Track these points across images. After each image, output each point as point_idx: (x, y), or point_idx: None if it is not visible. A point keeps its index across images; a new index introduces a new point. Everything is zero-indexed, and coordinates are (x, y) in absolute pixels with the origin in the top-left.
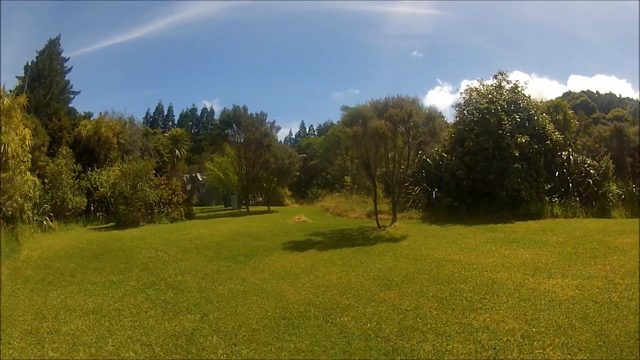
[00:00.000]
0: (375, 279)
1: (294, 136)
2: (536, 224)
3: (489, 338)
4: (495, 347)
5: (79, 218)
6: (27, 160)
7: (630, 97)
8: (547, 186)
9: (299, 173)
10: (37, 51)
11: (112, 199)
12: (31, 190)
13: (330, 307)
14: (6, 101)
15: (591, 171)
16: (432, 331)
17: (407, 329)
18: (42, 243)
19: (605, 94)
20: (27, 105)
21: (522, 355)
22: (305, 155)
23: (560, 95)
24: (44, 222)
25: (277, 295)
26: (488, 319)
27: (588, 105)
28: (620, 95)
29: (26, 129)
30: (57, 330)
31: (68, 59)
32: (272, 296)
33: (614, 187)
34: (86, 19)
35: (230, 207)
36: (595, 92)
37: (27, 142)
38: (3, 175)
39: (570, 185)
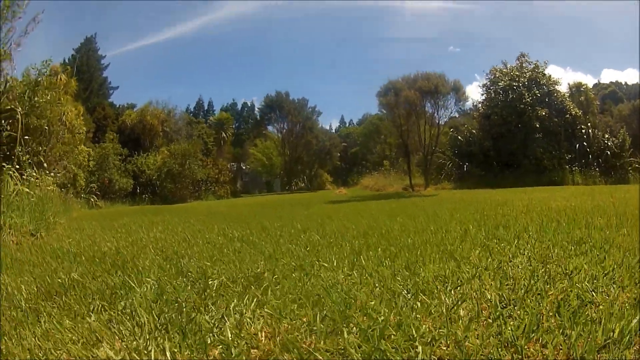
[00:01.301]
0: (405, 205)
1: (334, 130)
2: (558, 188)
3: (500, 215)
4: (501, 220)
5: (125, 199)
6: (82, 132)
7: None
8: (567, 156)
9: (339, 154)
10: (73, 49)
11: (158, 181)
12: (85, 160)
13: (367, 213)
14: (62, 77)
15: (609, 144)
16: (448, 213)
17: (428, 213)
18: (92, 212)
19: (633, 84)
20: (75, 90)
21: (519, 222)
22: (345, 144)
23: (590, 86)
24: (91, 199)
25: (322, 214)
26: (492, 211)
27: (616, 95)
28: None
29: (80, 107)
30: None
31: (105, 57)
32: (317, 214)
33: (633, 160)
34: (122, 20)
35: (273, 192)
36: (623, 83)
37: (80, 117)
38: (61, 146)
39: (590, 156)
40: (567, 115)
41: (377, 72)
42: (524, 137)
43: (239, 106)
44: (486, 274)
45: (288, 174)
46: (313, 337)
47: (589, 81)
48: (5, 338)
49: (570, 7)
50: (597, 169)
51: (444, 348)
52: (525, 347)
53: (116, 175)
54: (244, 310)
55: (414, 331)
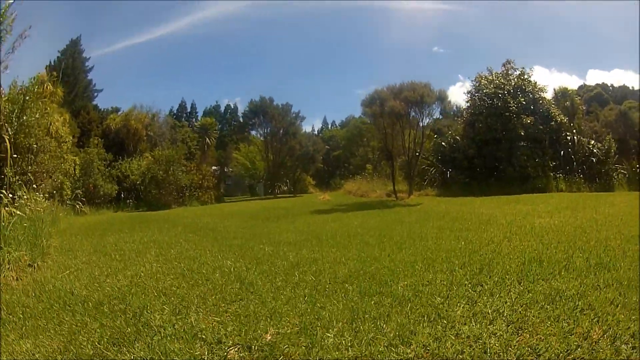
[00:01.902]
0: (390, 222)
1: (316, 132)
2: (541, 195)
3: (476, 239)
4: (477, 241)
5: (109, 205)
6: (68, 141)
7: None
8: (552, 163)
9: (322, 158)
10: (58, 51)
11: (142, 187)
12: (71, 169)
13: (353, 234)
14: (49, 85)
15: (594, 151)
16: (433, 238)
17: (414, 236)
18: (78, 220)
19: (619, 86)
20: (61, 98)
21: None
22: (328, 147)
23: (576, 88)
24: (77, 205)
25: (309, 231)
26: (476, 235)
27: (602, 98)
28: (633, 87)
29: (65, 114)
30: (119, 251)
31: (89, 59)
32: (304, 231)
33: (618, 166)
34: (105, 21)
35: (257, 196)
36: (609, 85)
37: (67, 125)
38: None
39: (575, 163)
40: (552, 122)
41: (361, 73)
42: (508, 145)
43: (222, 108)
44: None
45: (271, 178)
46: None
47: (575, 82)
48: None
49: (554, 8)
50: (581, 176)
51: None
52: None
53: (101, 181)
54: None
55: None
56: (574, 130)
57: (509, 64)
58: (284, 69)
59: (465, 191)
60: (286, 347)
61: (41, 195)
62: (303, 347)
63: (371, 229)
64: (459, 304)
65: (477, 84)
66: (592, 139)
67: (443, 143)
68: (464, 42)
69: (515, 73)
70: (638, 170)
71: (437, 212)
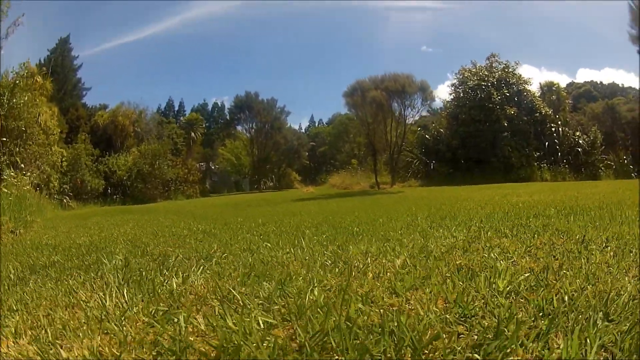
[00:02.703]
0: (367, 204)
1: (303, 130)
2: (524, 184)
3: (455, 209)
4: (454, 212)
5: (96, 200)
6: (56, 134)
7: (633, 87)
8: (536, 154)
9: (308, 153)
10: (48, 49)
11: (128, 182)
12: (58, 161)
13: (328, 210)
14: (39, 78)
15: (580, 142)
16: (406, 210)
17: (388, 210)
18: (65, 213)
19: (609, 83)
20: (50, 92)
21: (470, 214)
22: (314, 143)
23: (564, 86)
24: (64, 200)
25: (286, 211)
26: (450, 207)
27: (591, 95)
28: (622, 84)
29: (54, 107)
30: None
31: (78, 57)
32: (282, 211)
33: (605, 157)
34: (94, 20)
35: (242, 191)
36: (599, 82)
37: (55, 118)
38: (37, 147)
39: (560, 154)
40: (537, 114)
41: (348, 72)
42: (492, 136)
43: (210, 106)
44: (406, 250)
45: (257, 173)
46: (240, 288)
47: (564, 80)
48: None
49: (545, 7)
50: (566, 166)
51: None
52: (408, 294)
53: (88, 176)
54: (191, 274)
55: (316, 281)
56: (559, 122)
57: (493, 57)
58: (272, 68)
59: (449, 182)
60: (225, 255)
61: (28, 179)
62: (240, 256)
63: (347, 207)
64: (411, 235)
65: (461, 77)
66: (578, 131)
67: (427, 136)
68: (454, 41)
69: (499, 67)
70: (624, 161)
71: (417, 196)
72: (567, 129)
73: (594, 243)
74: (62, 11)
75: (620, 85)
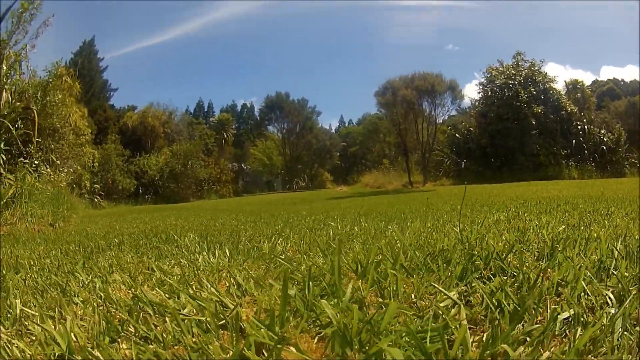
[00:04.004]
0: (402, 200)
1: (333, 130)
2: (552, 182)
3: (491, 201)
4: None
5: (127, 200)
6: (87, 134)
7: None
8: (563, 152)
9: (339, 154)
10: (72, 52)
11: (160, 182)
12: (90, 161)
13: (373, 207)
14: (68, 80)
15: (605, 140)
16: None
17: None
18: (96, 212)
19: (631, 81)
20: (79, 92)
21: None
22: (345, 143)
23: (588, 84)
24: (95, 199)
25: (321, 208)
26: (483, 199)
27: (614, 92)
28: None
29: (83, 109)
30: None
31: (103, 59)
32: (317, 208)
33: (629, 155)
34: (118, 23)
35: (274, 191)
36: (621, 80)
37: (85, 119)
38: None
39: (586, 152)
40: (563, 112)
41: (376, 72)
42: (520, 134)
43: (239, 107)
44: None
45: (289, 173)
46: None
47: (588, 78)
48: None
49: (568, 5)
50: (592, 164)
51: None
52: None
53: (119, 176)
54: (274, 242)
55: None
56: (585, 120)
57: (519, 55)
58: (300, 69)
59: (479, 180)
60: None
61: (65, 175)
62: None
63: (385, 203)
64: (454, 218)
65: (489, 76)
66: (603, 129)
67: (457, 135)
68: (478, 40)
69: (525, 65)
70: None
71: (450, 193)
72: (592, 126)
73: (615, 215)
74: (86, 13)
75: None
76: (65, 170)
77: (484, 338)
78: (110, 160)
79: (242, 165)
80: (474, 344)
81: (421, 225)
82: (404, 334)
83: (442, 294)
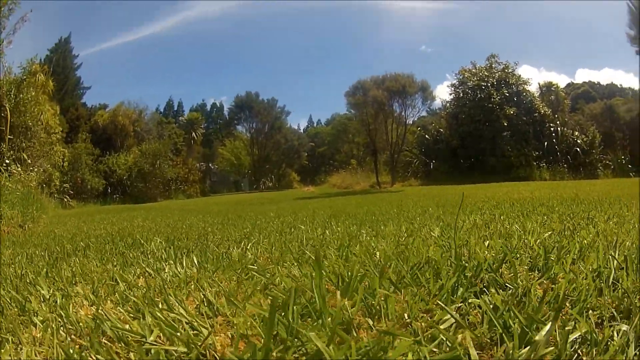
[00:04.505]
0: (369, 201)
1: (302, 130)
2: (523, 182)
3: (449, 202)
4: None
5: (96, 199)
6: (58, 132)
7: (632, 87)
8: (535, 154)
9: (307, 154)
10: (48, 49)
11: (128, 181)
12: (60, 160)
13: (341, 208)
14: (42, 77)
15: (579, 142)
16: (406, 204)
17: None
18: (65, 211)
19: (607, 84)
20: (52, 91)
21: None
22: (313, 144)
23: (563, 86)
24: (65, 199)
25: (288, 208)
26: (458, 201)
27: (589, 95)
28: (621, 85)
29: (55, 107)
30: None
31: (77, 56)
32: (284, 208)
33: (603, 157)
34: (92, 21)
35: (242, 191)
36: (597, 82)
37: (57, 117)
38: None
39: (559, 153)
40: (536, 114)
41: (347, 72)
42: (492, 136)
43: (209, 107)
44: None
45: (256, 173)
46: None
47: (563, 81)
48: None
49: (544, 7)
50: (565, 166)
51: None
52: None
53: (88, 175)
54: (243, 248)
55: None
56: (558, 122)
57: (493, 57)
58: (271, 69)
59: (448, 181)
60: (261, 235)
61: (35, 174)
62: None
63: (354, 203)
64: (428, 220)
65: (461, 77)
66: (577, 131)
67: (427, 135)
68: (452, 41)
69: (499, 67)
70: (622, 160)
71: (419, 194)
72: (565, 129)
73: (597, 219)
74: (61, 11)
75: (619, 86)
76: (36, 169)
77: None
78: (80, 160)
79: (210, 165)
80: None
81: (396, 229)
82: None
83: (438, 313)
